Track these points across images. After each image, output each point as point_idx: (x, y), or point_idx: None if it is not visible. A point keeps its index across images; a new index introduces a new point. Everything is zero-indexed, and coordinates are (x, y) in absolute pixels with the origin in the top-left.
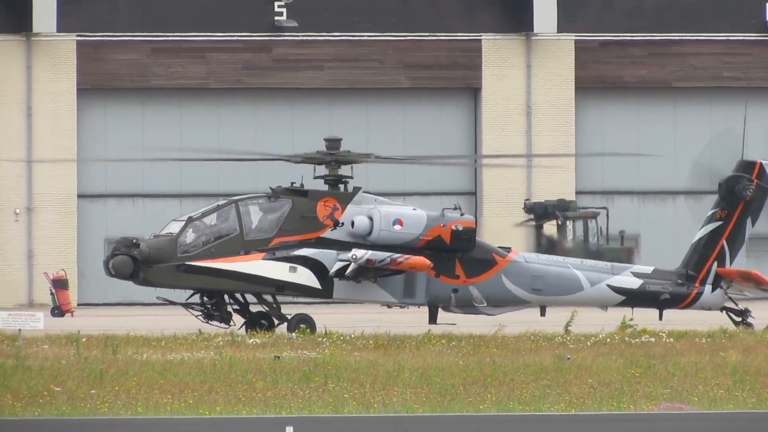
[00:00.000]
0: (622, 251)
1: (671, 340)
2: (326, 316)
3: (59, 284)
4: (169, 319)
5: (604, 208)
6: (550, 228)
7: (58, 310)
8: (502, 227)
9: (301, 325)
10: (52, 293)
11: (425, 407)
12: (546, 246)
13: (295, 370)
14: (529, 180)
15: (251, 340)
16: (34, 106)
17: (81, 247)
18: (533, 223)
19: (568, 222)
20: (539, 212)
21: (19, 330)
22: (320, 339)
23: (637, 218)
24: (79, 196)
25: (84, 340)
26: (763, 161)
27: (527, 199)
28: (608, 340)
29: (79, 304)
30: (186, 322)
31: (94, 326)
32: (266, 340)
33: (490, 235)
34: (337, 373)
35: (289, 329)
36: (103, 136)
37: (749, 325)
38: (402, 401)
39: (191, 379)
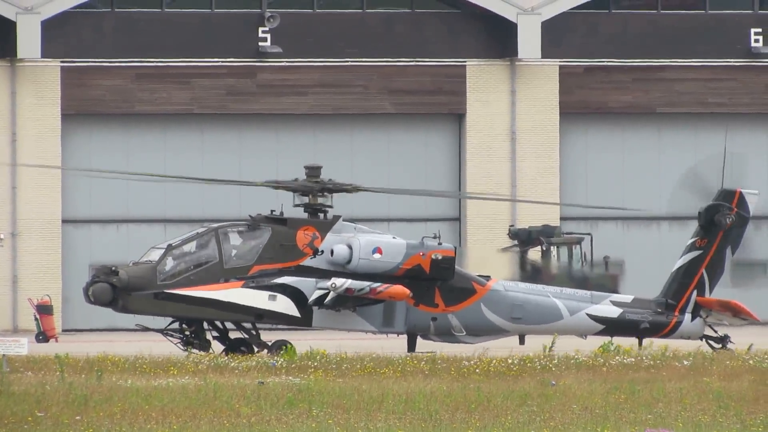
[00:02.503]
0: (607, 277)
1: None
2: (306, 342)
3: (44, 310)
4: (154, 345)
5: (589, 234)
6: (534, 254)
7: (43, 336)
8: (486, 253)
9: (287, 345)
10: (36, 319)
11: None
12: (530, 272)
13: (279, 395)
14: (514, 206)
15: (240, 364)
16: (19, 131)
17: (65, 272)
18: (518, 249)
19: (552, 248)
20: (524, 238)
21: (3, 355)
22: (307, 362)
23: (621, 244)
24: (64, 221)
25: (73, 362)
26: (742, 190)
27: (512, 225)
28: (590, 361)
29: (63, 330)
30: (170, 348)
31: (78, 351)
32: (252, 364)
33: (474, 261)
34: (322, 398)
35: (270, 355)
36: (88, 161)
37: (729, 351)
38: (386, 427)
39: (176, 405)
